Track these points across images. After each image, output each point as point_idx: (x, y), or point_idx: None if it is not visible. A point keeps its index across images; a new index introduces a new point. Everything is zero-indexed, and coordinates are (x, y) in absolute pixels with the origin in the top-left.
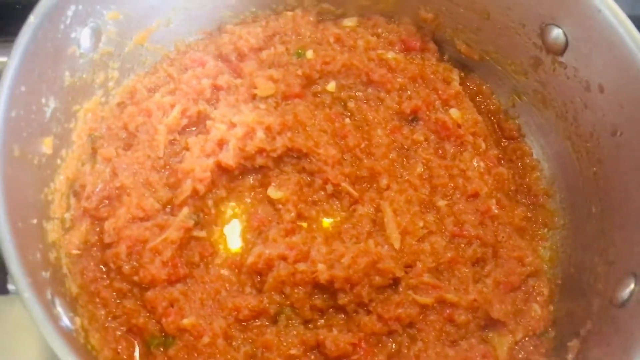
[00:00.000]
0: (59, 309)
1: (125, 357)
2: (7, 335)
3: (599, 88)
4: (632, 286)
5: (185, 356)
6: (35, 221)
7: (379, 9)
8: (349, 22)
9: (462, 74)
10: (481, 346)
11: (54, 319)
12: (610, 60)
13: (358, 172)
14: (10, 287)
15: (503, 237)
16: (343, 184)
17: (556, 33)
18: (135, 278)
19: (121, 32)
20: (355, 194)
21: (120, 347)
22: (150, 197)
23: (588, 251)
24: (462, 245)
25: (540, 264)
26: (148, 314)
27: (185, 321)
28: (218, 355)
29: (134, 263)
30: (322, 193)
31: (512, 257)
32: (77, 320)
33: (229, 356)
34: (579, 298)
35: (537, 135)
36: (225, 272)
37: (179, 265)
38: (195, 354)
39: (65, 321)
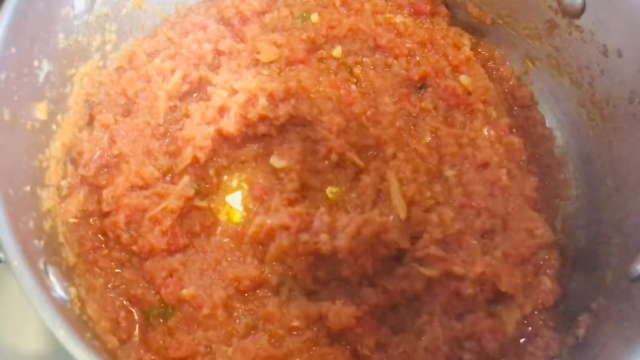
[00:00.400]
0: (52, 279)
1: (124, 327)
2: (7, 305)
3: (617, 53)
4: None
5: (185, 327)
6: (28, 188)
7: None
8: None
9: (473, 39)
10: (488, 320)
11: (46, 289)
12: (630, 24)
13: (364, 141)
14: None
15: (513, 208)
16: (348, 153)
17: None
18: (134, 248)
19: None
20: (361, 163)
21: (119, 317)
22: (149, 165)
23: (602, 224)
24: (471, 216)
25: (551, 236)
26: (147, 284)
27: (185, 292)
28: (218, 327)
29: (133, 232)
30: (327, 162)
31: (522, 228)
32: (72, 290)
33: (229, 327)
34: (591, 271)
35: (551, 102)
36: (226, 241)
37: (179, 234)
38: (195, 325)
39: (59, 291)
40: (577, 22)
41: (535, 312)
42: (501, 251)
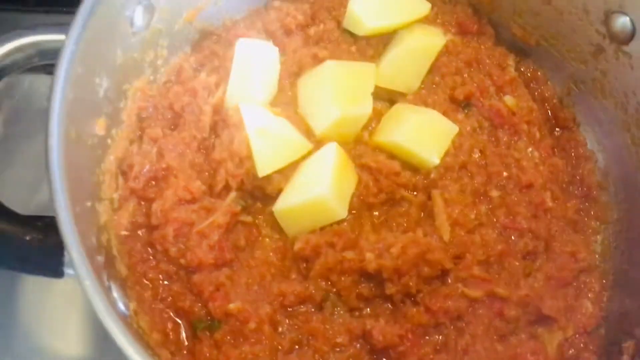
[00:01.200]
0: (115, 295)
1: (172, 340)
2: (50, 315)
3: None
4: None
5: (232, 340)
6: (89, 204)
7: None
8: None
9: (517, 59)
10: (531, 342)
11: (112, 305)
12: None
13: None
14: (67, 271)
15: (556, 230)
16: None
17: (623, 21)
18: (182, 261)
19: (172, 10)
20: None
21: (167, 329)
22: (196, 179)
23: None
24: (514, 237)
25: (594, 259)
26: (194, 297)
27: (232, 306)
28: (264, 341)
29: (181, 245)
30: None
31: (565, 251)
32: (131, 305)
33: (275, 342)
34: (633, 295)
35: (593, 125)
36: (270, 256)
37: (226, 249)
38: (242, 339)
39: (121, 307)
40: (626, 48)
41: (577, 335)
42: (544, 273)
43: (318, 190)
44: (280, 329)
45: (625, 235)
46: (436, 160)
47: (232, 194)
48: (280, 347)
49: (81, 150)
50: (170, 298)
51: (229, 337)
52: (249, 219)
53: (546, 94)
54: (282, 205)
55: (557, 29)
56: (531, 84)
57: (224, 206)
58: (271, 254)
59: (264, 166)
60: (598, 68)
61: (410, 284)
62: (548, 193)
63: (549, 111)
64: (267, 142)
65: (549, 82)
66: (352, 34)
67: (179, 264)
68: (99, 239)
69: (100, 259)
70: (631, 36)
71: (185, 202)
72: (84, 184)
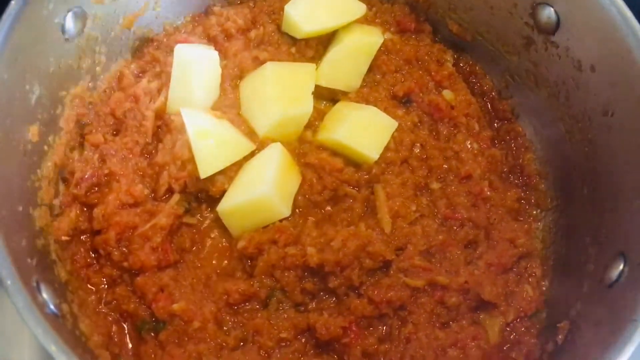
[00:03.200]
0: (45, 296)
1: (116, 342)
2: (2, 324)
3: (591, 68)
4: (621, 266)
5: (176, 340)
6: (20, 208)
7: None
8: None
9: (455, 55)
10: (472, 328)
11: (39, 306)
12: (602, 40)
13: None
14: None
15: (495, 218)
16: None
17: (548, 12)
18: (125, 264)
19: (107, 16)
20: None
21: (111, 332)
22: (139, 183)
23: (579, 232)
24: (454, 227)
25: (533, 245)
26: (138, 300)
27: (176, 306)
28: (209, 339)
29: (124, 249)
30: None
31: (505, 238)
32: (65, 306)
33: (219, 340)
34: (570, 279)
35: (530, 116)
36: (215, 256)
37: (170, 251)
38: (186, 338)
39: (52, 308)
40: (553, 38)
41: (518, 320)
42: (484, 261)
43: (261, 189)
44: (225, 327)
45: (564, 221)
46: (376, 156)
47: (176, 197)
48: (225, 345)
49: (10, 155)
50: (114, 301)
51: (173, 337)
52: (193, 220)
53: (485, 88)
54: (226, 205)
55: (489, 23)
56: (470, 78)
57: (166, 208)
58: (216, 254)
59: (206, 168)
60: (530, 59)
61: (353, 276)
62: (486, 182)
63: (489, 104)
64: (209, 144)
65: (487, 76)
66: (291, 37)
67: (122, 267)
68: (32, 243)
69: (31, 261)
70: (556, 26)
71: (127, 206)
72: (13, 188)
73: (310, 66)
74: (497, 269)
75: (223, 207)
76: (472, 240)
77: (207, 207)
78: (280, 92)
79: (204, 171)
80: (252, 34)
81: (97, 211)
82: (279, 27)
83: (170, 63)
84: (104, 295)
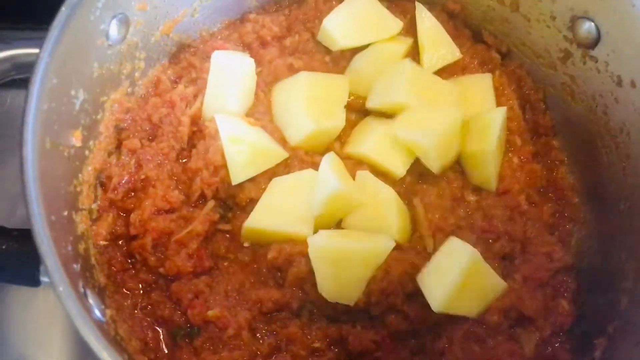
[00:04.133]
0: (91, 302)
1: (152, 347)
2: (32, 326)
3: (631, 83)
4: None
5: (211, 347)
6: (66, 213)
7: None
8: None
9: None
10: (508, 344)
11: (88, 311)
12: None
13: None
14: (43, 279)
15: (532, 232)
16: None
17: (588, 26)
18: (161, 270)
19: (148, 22)
20: None
21: (147, 337)
22: (175, 188)
23: (616, 248)
24: (490, 240)
25: (569, 259)
26: (173, 305)
27: (210, 313)
28: (242, 347)
29: (160, 255)
30: None
31: (541, 252)
32: (108, 312)
33: (253, 347)
34: (606, 295)
35: (566, 129)
36: (250, 264)
37: (205, 257)
38: (221, 345)
39: (97, 314)
40: (592, 52)
41: (553, 335)
42: (521, 274)
43: (301, 229)
44: (258, 335)
45: (599, 236)
46: (402, 172)
47: (210, 203)
48: (259, 353)
49: (57, 161)
50: (149, 307)
51: (208, 344)
52: (227, 227)
53: (532, 97)
54: (255, 224)
55: (526, 35)
56: (520, 83)
57: (201, 215)
58: (250, 261)
59: (238, 174)
60: (567, 73)
61: (397, 302)
62: (523, 196)
63: (530, 118)
64: (241, 151)
65: (535, 83)
66: (325, 46)
67: (158, 272)
68: (76, 248)
69: (76, 267)
70: (597, 41)
71: (163, 212)
72: (60, 193)
73: (344, 78)
74: (534, 282)
75: (251, 224)
76: (509, 254)
77: (240, 214)
78: (313, 104)
79: (236, 177)
80: (287, 41)
81: (133, 216)
82: (313, 36)
83: (206, 69)
84: (140, 300)
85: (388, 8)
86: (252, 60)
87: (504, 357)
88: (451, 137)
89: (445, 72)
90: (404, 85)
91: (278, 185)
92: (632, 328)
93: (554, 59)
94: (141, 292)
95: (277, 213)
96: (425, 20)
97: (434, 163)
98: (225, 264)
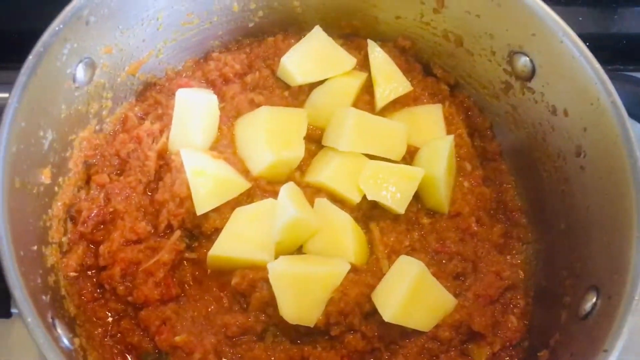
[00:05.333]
0: (59, 331)
1: None
2: (7, 356)
3: (564, 112)
4: (594, 300)
5: None
6: (35, 247)
7: (361, 34)
8: None
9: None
10: (460, 358)
11: (55, 340)
12: (573, 87)
13: None
14: (13, 310)
15: (482, 252)
16: None
17: (524, 60)
18: (130, 298)
19: (114, 64)
20: None
21: None
22: (142, 220)
23: (557, 265)
24: (444, 261)
25: (517, 277)
26: (142, 333)
27: (178, 338)
28: None
29: (128, 284)
30: None
31: (491, 271)
32: (76, 340)
33: None
34: (550, 310)
35: (511, 155)
36: (215, 291)
37: (172, 285)
38: None
39: (65, 342)
40: (529, 84)
41: (503, 349)
42: (472, 292)
43: (262, 255)
44: (224, 359)
45: (543, 255)
46: (358, 198)
47: (177, 233)
48: None
49: (26, 198)
50: (119, 334)
51: None
52: (193, 255)
53: (479, 124)
54: (220, 252)
55: (471, 68)
56: (468, 113)
57: (168, 245)
58: (215, 288)
59: (202, 205)
60: (509, 103)
61: (355, 322)
62: (473, 218)
63: (480, 144)
64: (205, 183)
65: (481, 112)
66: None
67: (126, 301)
68: (45, 280)
69: (45, 298)
70: (532, 74)
71: (131, 243)
72: (29, 229)
73: (302, 112)
74: (485, 300)
75: (216, 252)
76: (461, 273)
77: (206, 243)
78: (273, 136)
79: (200, 208)
80: (248, 78)
81: (102, 248)
82: (273, 72)
83: (171, 106)
84: (110, 328)
85: (343, 45)
86: (215, 96)
87: None
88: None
89: (398, 103)
90: (347, 134)
91: (240, 215)
92: (570, 340)
93: (497, 90)
94: (110, 320)
95: (240, 241)
96: (378, 56)
97: (399, 208)
98: (192, 291)
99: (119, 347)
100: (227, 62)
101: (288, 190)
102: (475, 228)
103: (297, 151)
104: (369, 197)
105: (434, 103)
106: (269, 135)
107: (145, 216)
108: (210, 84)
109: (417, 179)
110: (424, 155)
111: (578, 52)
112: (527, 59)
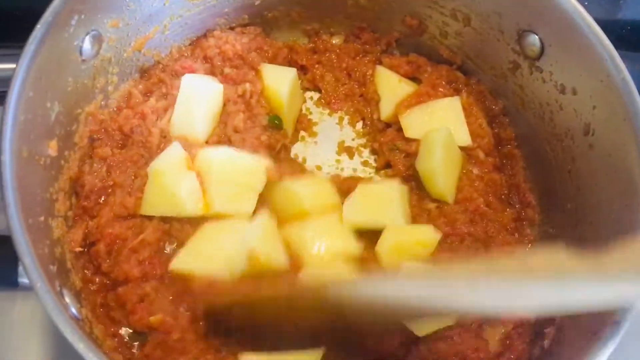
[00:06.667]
0: (67, 300)
1: (127, 345)
2: (10, 332)
3: (573, 91)
4: None
5: (161, 353)
6: (42, 218)
7: (365, 18)
8: (337, 39)
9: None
10: (472, 340)
11: (65, 308)
12: (582, 65)
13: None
14: (21, 280)
15: (493, 232)
16: None
17: (532, 39)
18: (112, 275)
19: (121, 39)
20: None
21: (121, 335)
22: (133, 195)
23: (564, 244)
24: (455, 242)
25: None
26: (121, 310)
27: (152, 319)
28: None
29: (111, 261)
30: None
31: (503, 251)
32: (83, 310)
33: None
34: None
35: (519, 136)
36: None
37: (157, 264)
38: (169, 350)
39: (73, 311)
40: (537, 63)
41: (515, 328)
42: None
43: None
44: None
45: (550, 235)
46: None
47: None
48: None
49: (34, 169)
50: (110, 309)
51: (157, 350)
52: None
53: (494, 109)
54: (181, 265)
55: (478, 48)
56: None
57: (153, 223)
58: None
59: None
60: (516, 83)
61: None
62: (481, 200)
63: (495, 131)
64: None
65: (495, 97)
66: None
67: (110, 277)
68: (52, 251)
69: (52, 268)
70: (541, 52)
71: (121, 218)
72: (36, 200)
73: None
74: None
75: (176, 266)
76: (473, 255)
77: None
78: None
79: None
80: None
81: (91, 223)
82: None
83: (175, 86)
84: (107, 301)
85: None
86: (220, 86)
87: (470, 353)
88: None
89: (414, 99)
90: None
91: (214, 234)
92: (575, 316)
93: (504, 70)
94: (104, 294)
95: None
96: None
97: None
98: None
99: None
100: (228, 41)
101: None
102: (484, 208)
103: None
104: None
105: (451, 90)
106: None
107: (139, 191)
108: (209, 62)
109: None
110: (423, 147)
111: (588, 29)
112: (537, 37)
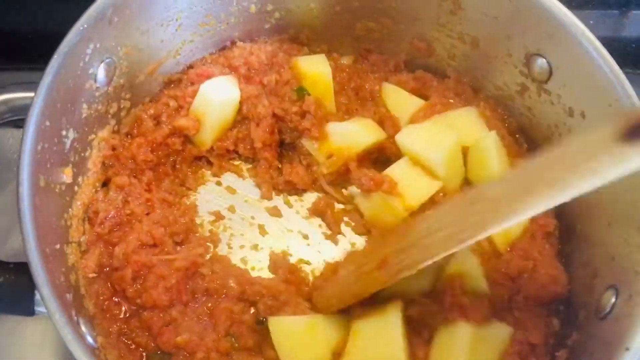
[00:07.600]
0: (83, 329)
1: None
2: (22, 356)
3: (581, 114)
4: (612, 300)
5: None
6: (58, 246)
7: (374, 40)
8: (346, 60)
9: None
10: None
11: (82, 338)
12: (591, 89)
13: None
14: (38, 309)
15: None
16: None
17: (541, 62)
18: (138, 301)
19: (134, 65)
20: None
21: None
22: (160, 226)
23: (574, 265)
24: None
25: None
26: (147, 333)
27: (179, 339)
28: None
29: (138, 287)
30: None
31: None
32: (99, 338)
33: None
34: (567, 309)
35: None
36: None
37: (183, 291)
38: None
39: (90, 340)
40: (545, 86)
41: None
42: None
43: None
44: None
45: (563, 255)
46: None
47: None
48: None
49: (50, 197)
50: (132, 333)
51: None
52: (206, 271)
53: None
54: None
55: (486, 70)
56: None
57: (186, 252)
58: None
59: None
60: (524, 105)
61: None
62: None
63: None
64: None
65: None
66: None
67: (135, 303)
68: (68, 279)
69: (69, 296)
70: (549, 75)
71: (147, 246)
72: (52, 228)
73: None
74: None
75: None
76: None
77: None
78: None
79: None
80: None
81: (117, 250)
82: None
83: (190, 93)
84: (123, 326)
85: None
86: (238, 92)
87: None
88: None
89: (428, 112)
90: None
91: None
92: (588, 340)
93: (512, 92)
94: (123, 318)
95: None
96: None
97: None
98: (203, 300)
99: (132, 345)
100: (252, 51)
101: None
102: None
103: None
104: None
105: (460, 102)
106: None
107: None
108: (234, 70)
109: None
110: (473, 156)
111: (596, 54)
112: (544, 60)
